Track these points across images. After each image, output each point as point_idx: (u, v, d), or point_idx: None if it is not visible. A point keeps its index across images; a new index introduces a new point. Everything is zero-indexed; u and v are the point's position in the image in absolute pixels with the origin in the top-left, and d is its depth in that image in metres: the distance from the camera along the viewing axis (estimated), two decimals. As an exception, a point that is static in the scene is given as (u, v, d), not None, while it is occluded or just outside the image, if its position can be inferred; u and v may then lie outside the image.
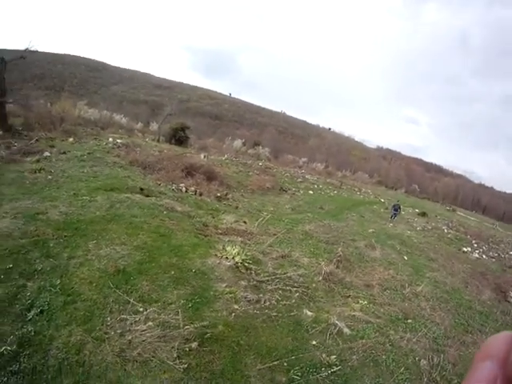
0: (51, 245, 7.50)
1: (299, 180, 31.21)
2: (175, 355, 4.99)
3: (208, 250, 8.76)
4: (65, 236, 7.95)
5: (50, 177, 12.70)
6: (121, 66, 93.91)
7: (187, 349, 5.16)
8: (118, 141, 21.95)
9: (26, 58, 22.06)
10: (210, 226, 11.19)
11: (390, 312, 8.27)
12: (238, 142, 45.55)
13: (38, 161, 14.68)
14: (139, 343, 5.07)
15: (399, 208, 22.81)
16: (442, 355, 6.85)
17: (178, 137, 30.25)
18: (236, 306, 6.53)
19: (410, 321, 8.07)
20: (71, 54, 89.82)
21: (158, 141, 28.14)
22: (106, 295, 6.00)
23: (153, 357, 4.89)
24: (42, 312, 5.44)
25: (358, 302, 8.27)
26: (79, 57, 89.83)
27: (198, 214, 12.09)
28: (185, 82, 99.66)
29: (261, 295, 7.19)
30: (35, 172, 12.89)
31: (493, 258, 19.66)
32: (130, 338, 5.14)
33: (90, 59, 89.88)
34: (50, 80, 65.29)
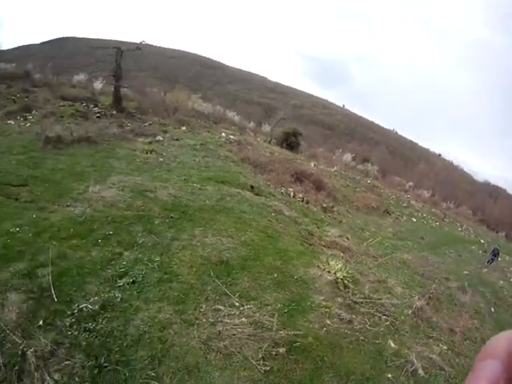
0: (156, 222, 7.74)
1: (404, 205, 30.07)
2: (260, 356, 4.91)
3: (312, 259, 8.59)
4: (171, 217, 8.15)
5: (161, 159, 13.25)
6: (236, 67, 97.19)
7: (274, 352, 5.08)
8: (231, 136, 22.45)
9: (141, 49, 23.97)
10: (315, 235, 10.99)
11: (464, 364, 7.64)
12: (347, 156, 44.77)
13: (150, 143, 15.43)
14: (228, 336, 5.06)
15: (498, 253, 20.66)
16: None
17: (290, 141, 30.33)
18: (329, 322, 6.38)
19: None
20: (188, 50, 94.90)
21: (270, 142, 28.51)
22: (205, 282, 6.08)
23: (238, 352, 4.85)
24: (133, 282, 5.63)
25: (438, 345, 7.73)
26: (195, 54, 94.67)
27: (304, 222, 11.91)
28: (298, 88, 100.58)
29: (353, 316, 6.97)
30: (147, 152, 13.55)
31: None
32: (220, 328, 5.15)
33: (205, 57, 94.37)
34: (165, 72, 69.22)
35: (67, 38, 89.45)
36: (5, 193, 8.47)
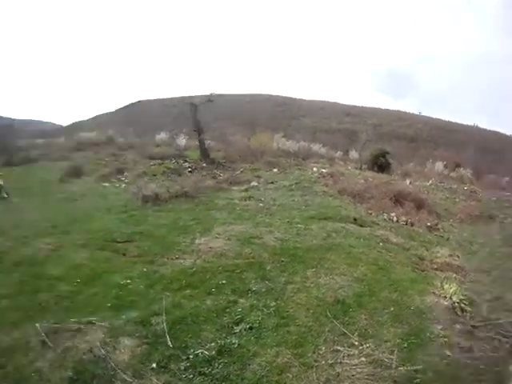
0: (267, 268, 7.82)
1: (506, 205, 28.05)
2: None
3: (426, 286, 8.22)
4: (282, 261, 8.18)
5: (260, 204, 13.53)
6: (307, 98, 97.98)
7: None
8: (323, 170, 22.46)
9: (212, 101, 25.10)
10: (426, 259, 10.57)
11: None
12: (439, 165, 42.86)
13: (246, 189, 15.90)
14: (347, 377, 4.87)
15: None
16: None
17: (380, 163, 29.79)
18: (448, 353, 5.94)
19: None
20: (257, 92, 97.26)
21: (361, 168, 28.24)
22: (322, 323, 5.97)
23: None
24: (251, 328, 5.66)
25: None
26: (267, 94, 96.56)
27: (412, 246, 11.51)
28: (373, 106, 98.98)
29: (472, 342, 6.43)
30: (245, 200, 13.95)
31: None
32: (339, 370, 4.97)
33: (276, 95, 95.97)
34: (242, 117, 70.90)
35: (140, 101, 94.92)
36: (112, 249, 9.06)
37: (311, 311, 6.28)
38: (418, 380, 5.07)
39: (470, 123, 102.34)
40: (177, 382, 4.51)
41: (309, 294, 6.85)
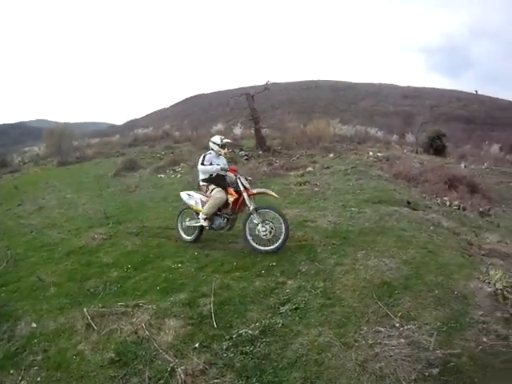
0: (318, 250, 7.91)
1: None
2: (413, 377, 4.67)
3: (472, 271, 8.00)
4: (333, 244, 8.28)
5: (316, 189, 13.72)
6: (364, 82, 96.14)
7: (427, 373, 4.77)
8: (378, 154, 22.42)
9: (269, 89, 25.63)
10: (475, 244, 10.23)
11: None
12: (495, 147, 41.17)
13: (302, 175, 16.24)
14: (385, 357, 4.91)
15: None
16: None
17: (435, 146, 29.16)
18: (485, 339, 5.76)
19: None
20: (313, 79, 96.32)
21: (417, 152, 27.83)
22: (367, 305, 5.99)
23: (391, 374, 4.67)
24: (296, 309, 5.74)
25: None
26: (322, 80, 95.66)
27: (462, 231, 11.26)
28: (429, 87, 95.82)
29: (509, 331, 6.16)
30: (300, 184, 14.24)
31: None
32: (377, 350, 5.02)
33: (333, 81, 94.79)
34: (298, 104, 70.90)
35: (196, 96, 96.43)
36: (165, 235, 9.55)
37: (357, 292, 6.34)
38: (452, 364, 5.09)
39: None
40: (217, 361, 4.67)
41: (357, 275, 6.91)
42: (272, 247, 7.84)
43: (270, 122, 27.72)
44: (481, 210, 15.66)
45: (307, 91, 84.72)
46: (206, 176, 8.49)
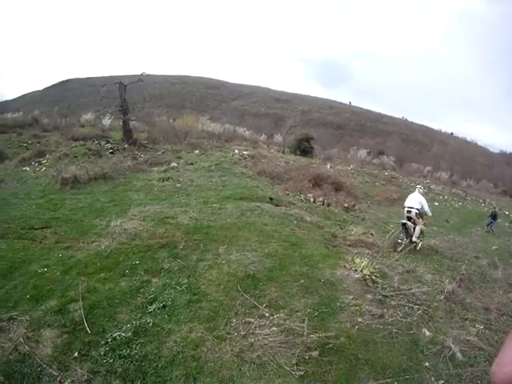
0: (180, 247, 7.83)
1: (425, 190, 30.02)
2: (294, 361, 4.85)
3: (337, 260, 8.59)
4: (194, 240, 8.24)
5: (178, 185, 13.60)
6: (239, 83, 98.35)
7: (307, 357, 5.00)
8: (244, 152, 22.92)
9: (143, 81, 25.21)
10: (339, 236, 11.08)
11: (504, 340, 7.15)
12: (362, 152, 45.47)
13: (165, 170, 15.93)
14: (260, 346, 5.03)
15: (496, 215, 22.25)
16: None
17: (303, 148, 30.91)
18: (360, 319, 6.32)
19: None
20: (188, 74, 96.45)
21: (283, 152, 29.16)
22: (233, 298, 6.10)
23: (271, 361, 4.80)
24: (164, 307, 5.70)
25: (474, 326, 7.55)
26: (198, 76, 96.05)
27: (326, 225, 12.04)
28: (304, 94, 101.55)
29: (385, 310, 6.89)
30: (163, 180, 13.94)
31: None
32: (252, 340, 5.12)
33: (207, 78, 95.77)
34: (170, 99, 70.61)
35: (69, 80, 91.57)
36: (29, 237, 8.70)
37: (222, 286, 6.40)
38: (330, 345, 5.33)
39: (399, 116, 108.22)
40: (99, 368, 4.48)
41: (220, 270, 6.97)
42: None
43: (139, 115, 27.07)
44: (346, 205, 16.74)
45: (180, 86, 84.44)
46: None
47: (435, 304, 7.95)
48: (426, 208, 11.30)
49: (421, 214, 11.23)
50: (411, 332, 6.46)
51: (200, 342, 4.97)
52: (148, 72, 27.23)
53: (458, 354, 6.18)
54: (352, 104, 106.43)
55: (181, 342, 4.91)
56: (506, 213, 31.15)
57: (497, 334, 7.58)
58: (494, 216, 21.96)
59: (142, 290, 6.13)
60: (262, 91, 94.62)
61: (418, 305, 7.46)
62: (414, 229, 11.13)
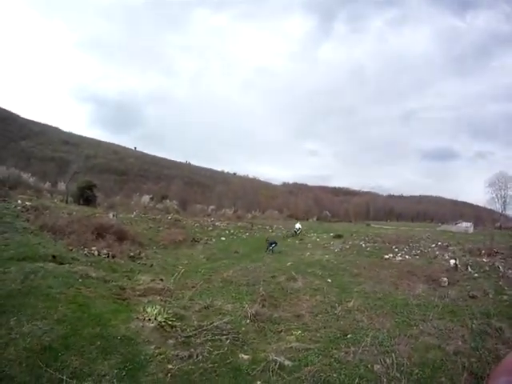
0: None
1: (210, 228, 32.43)
2: None
3: (129, 314, 8.55)
4: None
5: None
6: (30, 118, 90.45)
7: None
8: (27, 203, 21.56)
9: None
10: (128, 288, 11.08)
11: (327, 334, 8.59)
12: (145, 198, 46.04)
13: None
14: None
15: (275, 243, 23.70)
16: (393, 354, 7.12)
17: (86, 196, 29.95)
18: (170, 366, 6.44)
19: (349, 336, 8.44)
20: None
21: (67, 202, 27.90)
22: (39, 375, 5.65)
23: None
24: None
25: (291, 334, 8.52)
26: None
27: (113, 278, 11.90)
28: (91, 137, 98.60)
29: (192, 350, 7.10)
30: None
31: (416, 255, 21.36)
32: None
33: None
34: None
35: None
36: None
37: (24, 365, 5.84)
38: None
39: (183, 160, 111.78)
40: None
41: (16, 346, 6.28)
42: None
43: None
44: (131, 254, 17.05)
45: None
46: None
47: (243, 329, 8.62)
48: None
49: None
50: (228, 361, 6.87)
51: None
52: None
53: (286, 362, 6.93)
54: (137, 149, 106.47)
55: None
56: (294, 231, 33.68)
57: (318, 331, 8.74)
58: (271, 243, 23.11)
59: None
60: (51, 131, 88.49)
61: (225, 335, 7.92)
62: None
